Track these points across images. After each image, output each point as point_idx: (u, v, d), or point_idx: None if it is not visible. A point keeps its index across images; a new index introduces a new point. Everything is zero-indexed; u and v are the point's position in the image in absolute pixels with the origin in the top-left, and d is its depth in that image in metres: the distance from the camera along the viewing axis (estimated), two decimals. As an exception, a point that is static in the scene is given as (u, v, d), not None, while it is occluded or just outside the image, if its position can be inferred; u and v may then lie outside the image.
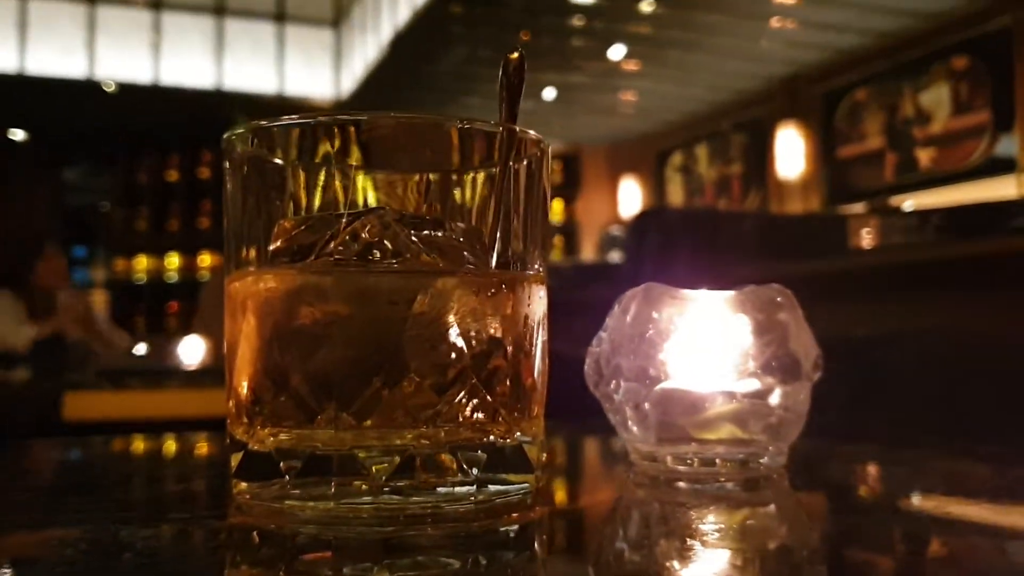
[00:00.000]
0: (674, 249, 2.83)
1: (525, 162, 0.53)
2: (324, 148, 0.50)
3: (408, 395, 0.46)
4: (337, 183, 0.51)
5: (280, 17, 6.87)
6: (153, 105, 6.44)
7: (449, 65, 6.15)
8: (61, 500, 0.53)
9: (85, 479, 0.65)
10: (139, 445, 0.89)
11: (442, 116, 0.51)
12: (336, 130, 0.50)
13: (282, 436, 0.47)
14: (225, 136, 0.51)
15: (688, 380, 0.62)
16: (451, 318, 0.47)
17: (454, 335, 0.47)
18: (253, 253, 0.50)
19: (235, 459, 0.49)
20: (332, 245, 0.47)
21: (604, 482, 0.64)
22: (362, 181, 0.52)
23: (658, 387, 0.62)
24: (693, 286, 0.64)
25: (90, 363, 3.09)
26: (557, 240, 8.13)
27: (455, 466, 0.47)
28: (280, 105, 6.50)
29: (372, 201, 0.51)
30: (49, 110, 6.55)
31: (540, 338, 0.52)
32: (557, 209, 8.18)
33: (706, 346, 0.62)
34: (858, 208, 5.70)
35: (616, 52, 6.08)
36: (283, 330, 0.47)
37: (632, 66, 6.36)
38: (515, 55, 0.51)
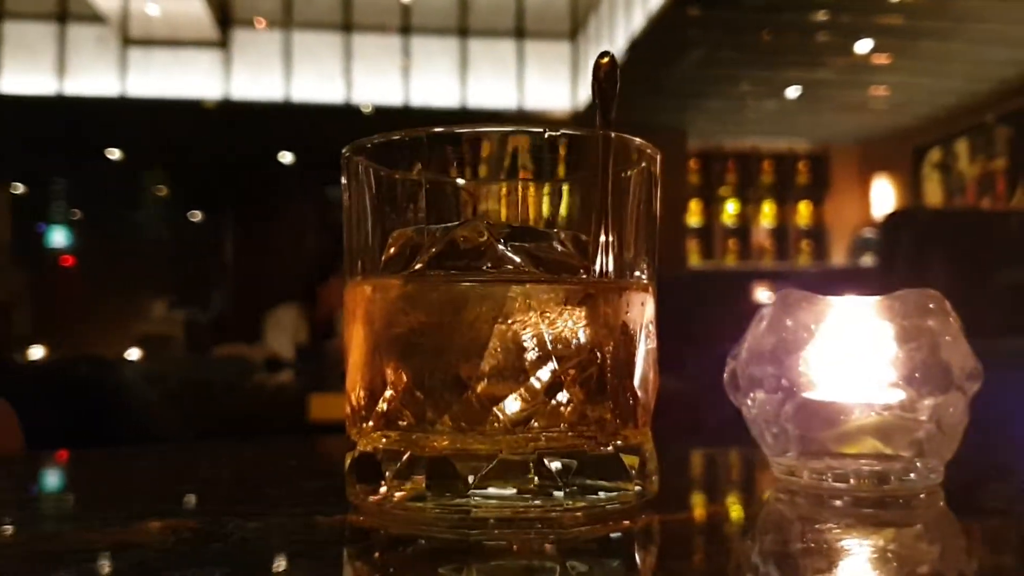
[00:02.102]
0: (929, 252, 2.69)
1: (643, 166, 0.53)
2: (434, 160, 0.52)
3: (498, 402, 0.47)
4: (447, 194, 0.52)
5: (520, 34, 7.06)
6: (405, 125, 6.74)
7: (687, 69, 6.09)
8: (210, 492, 0.58)
9: (252, 475, 0.70)
10: (335, 444, 0.94)
11: (542, 126, 0.51)
12: (445, 143, 0.52)
13: (386, 438, 0.49)
14: (344, 150, 0.54)
15: (826, 391, 0.59)
16: (542, 327, 0.47)
17: (544, 343, 0.47)
18: (364, 264, 0.52)
19: (349, 458, 0.52)
20: (429, 255, 0.49)
21: (729, 495, 0.62)
22: (471, 191, 0.53)
23: (794, 398, 0.59)
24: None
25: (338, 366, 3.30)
26: (804, 244, 7.83)
27: (546, 472, 0.47)
28: (520, 120, 6.68)
29: (485, 211, 0.53)
30: (313, 134, 7.04)
31: (644, 346, 0.52)
32: (804, 212, 7.88)
33: (846, 355, 0.59)
34: None
35: (863, 46, 5.79)
36: (382, 337, 0.50)
37: (882, 59, 6.03)
38: (605, 59, 0.51)
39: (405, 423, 0.48)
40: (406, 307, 0.49)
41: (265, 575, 0.38)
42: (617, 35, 6.23)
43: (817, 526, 0.51)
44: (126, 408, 2.56)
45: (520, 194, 0.53)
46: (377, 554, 0.44)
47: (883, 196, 7.71)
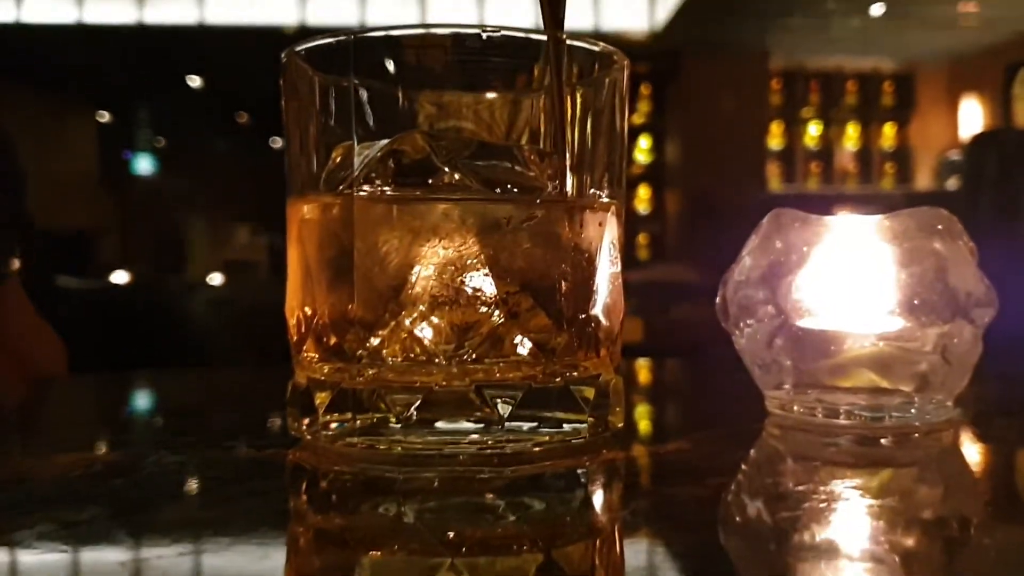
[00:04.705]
0: (1016, 175, 2.59)
1: (607, 75, 0.49)
2: (379, 67, 0.48)
3: (430, 330, 0.43)
4: (393, 104, 0.48)
5: (594, -51, 6.86)
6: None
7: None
8: (157, 423, 0.57)
9: (218, 404, 0.68)
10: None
11: (481, 24, 0.46)
12: (389, 46, 0.48)
13: (327, 367, 0.46)
14: (283, 55, 0.50)
15: (820, 319, 0.54)
16: (480, 249, 0.43)
17: (482, 267, 0.43)
18: (302, 179, 0.49)
19: (289, 388, 0.49)
20: (363, 172, 0.45)
21: (711, 430, 0.57)
22: (433, 103, 0.49)
23: (785, 327, 0.54)
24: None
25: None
26: (888, 167, 7.54)
27: (485, 405, 0.44)
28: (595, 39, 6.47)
29: (442, 126, 0.49)
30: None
31: (604, 271, 0.47)
32: (889, 134, 7.57)
33: (841, 279, 0.54)
34: None
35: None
36: (313, 260, 0.46)
37: (976, -29, 5.72)
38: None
39: (333, 353, 0.45)
40: (335, 228, 0.45)
41: (137, 514, 0.35)
42: (694, -49, 6.00)
43: (804, 465, 0.47)
44: (187, 333, 2.60)
45: (475, 106, 0.49)
46: (304, 489, 0.41)
47: (971, 117, 7.35)
